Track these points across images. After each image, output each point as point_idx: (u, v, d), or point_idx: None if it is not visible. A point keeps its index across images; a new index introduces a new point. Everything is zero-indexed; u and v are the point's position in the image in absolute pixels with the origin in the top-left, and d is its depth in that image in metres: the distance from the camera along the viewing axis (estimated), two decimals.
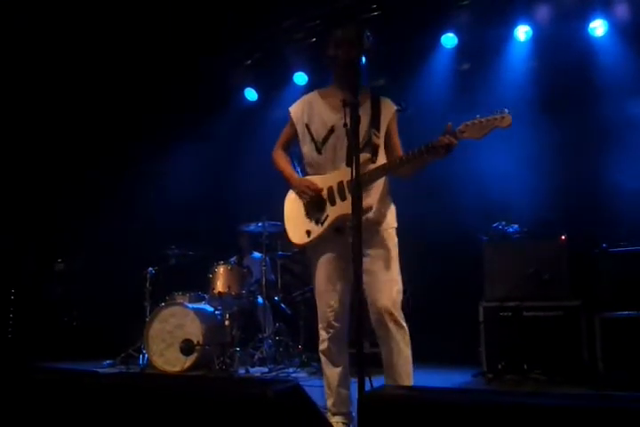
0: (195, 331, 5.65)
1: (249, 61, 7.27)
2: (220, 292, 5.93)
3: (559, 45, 5.92)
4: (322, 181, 3.11)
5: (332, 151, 3.09)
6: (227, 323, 5.75)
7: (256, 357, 5.89)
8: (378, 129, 3.09)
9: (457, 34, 6.30)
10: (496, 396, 1.84)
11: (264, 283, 6.09)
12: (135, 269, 6.47)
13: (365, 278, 2.71)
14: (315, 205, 3.08)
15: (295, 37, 6.87)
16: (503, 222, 5.25)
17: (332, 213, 3.00)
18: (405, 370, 3.01)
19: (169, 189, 7.44)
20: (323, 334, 3.10)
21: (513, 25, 6.09)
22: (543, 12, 5.92)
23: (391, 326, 2.96)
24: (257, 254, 6.69)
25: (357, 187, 2.45)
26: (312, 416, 1.83)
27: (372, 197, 3.03)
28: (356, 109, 2.58)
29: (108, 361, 6.14)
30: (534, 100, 5.94)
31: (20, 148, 7.24)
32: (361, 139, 2.94)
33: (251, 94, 7.58)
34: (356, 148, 2.54)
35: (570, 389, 4.37)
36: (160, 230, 7.15)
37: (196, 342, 5.58)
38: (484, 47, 6.31)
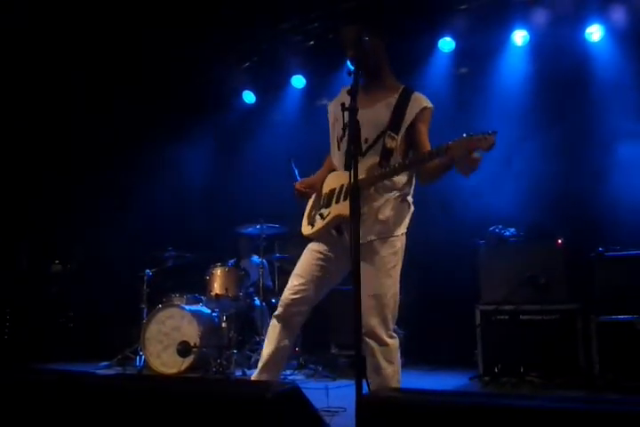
0: (192, 333, 5.65)
1: (247, 64, 7.28)
2: (217, 294, 5.92)
3: (556, 50, 5.95)
4: (333, 179, 3.14)
5: (343, 151, 3.07)
6: (224, 325, 5.76)
7: (253, 359, 5.88)
8: (396, 131, 2.98)
9: (454, 38, 6.33)
10: (492, 399, 1.85)
11: (261, 285, 6.09)
12: (132, 270, 6.47)
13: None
14: (326, 200, 3.11)
15: (293, 40, 6.88)
16: (500, 226, 5.27)
17: (333, 210, 3.01)
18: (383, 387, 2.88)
19: (166, 190, 7.45)
20: (278, 309, 3.07)
21: (510, 30, 6.11)
22: (540, 17, 5.94)
23: (372, 344, 2.84)
24: (255, 257, 6.70)
25: (356, 191, 2.45)
26: (310, 418, 1.84)
27: (366, 203, 2.91)
28: (354, 114, 2.57)
29: (104, 363, 6.13)
30: (531, 105, 5.97)
31: (17, 149, 7.23)
32: (370, 141, 2.97)
33: (249, 97, 7.59)
34: (354, 152, 2.53)
35: (566, 392, 4.38)
36: (157, 232, 7.15)
37: (192, 344, 5.58)
38: (481, 52, 6.33)
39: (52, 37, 6.35)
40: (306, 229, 3.15)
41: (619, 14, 5.72)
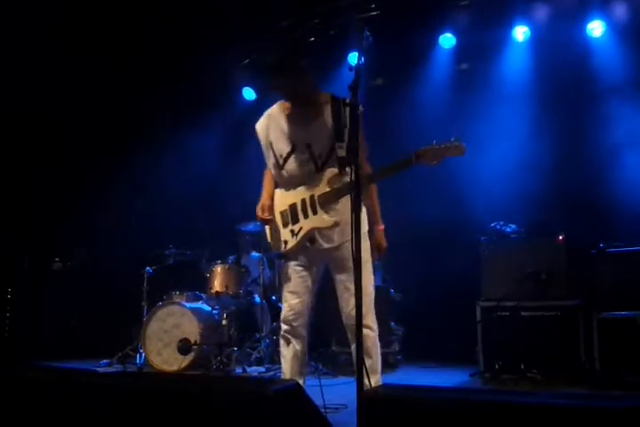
0: (192, 330, 5.65)
1: (247, 61, 7.27)
2: (217, 291, 5.92)
3: (557, 46, 5.93)
4: (284, 198, 3.28)
5: (294, 166, 3.20)
6: (224, 322, 5.75)
7: (253, 356, 5.89)
8: (342, 139, 3.08)
9: (455, 34, 6.30)
10: (493, 395, 1.85)
11: (262, 282, 6.09)
12: (133, 268, 6.46)
13: (338, 286, 3.18)
14: (289, 218, 3.24)
15: (293, 37, 6.86)
16: (501, 222, 5.26)
17: (306, 225, 3.16)
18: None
19: (167, 187, 7.44)
20: (283, 327, 3.36)
21: (511, 25, 6.09)
22: (541, 13, 5.93)
23: (367, 331, 3.06)
24: (255, 254, 6.69)
25: (357, 190, 2.43)
26: (311, 415, 1.83)
27: (341, 211, 3.11)
28: (356, 110, 2.57)
29: (105, 360, 6.13)
30: (532, 101, 5.95)
31: (18, 147, 7.22)
32: (324, 156, 3.11)
33: (249, 94, 7.57)
34: (354, 151, 2.52)
35: (567, 388, 4.37)
36: (158, 230, 7.14)
37: (193, 341, 5.58)
38: (482, 48, 6.32)
39: (52, 36, 6.35)
40: (280, 249, 3.31)
41: (620, 10, 5.70)
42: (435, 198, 6.14)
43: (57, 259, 7.53)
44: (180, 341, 5.63)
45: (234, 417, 1.76)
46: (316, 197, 3.13)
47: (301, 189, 3.19)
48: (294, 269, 3.27)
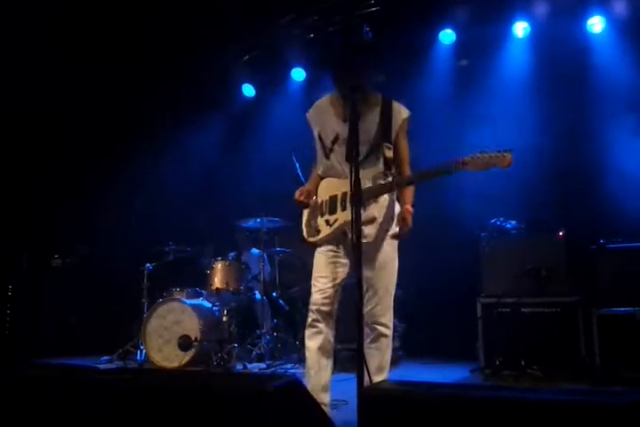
0: (192, 327, 5.65)
1: (246, 57, 7.26)
2: (217, 288, 5.93)
3: (557, 42, 5.92)
4: (330, 187, 3.24)
5: (338, 157, 3.20)
6: (224, 319, 5.75)
7: (254, 353, 5.90)
8: (390, 141, 3.15)
9: (455, 30, 6.30)
10: (493, 391, 1.85)
11: (262, 279, 6.09)
12: (133, 265, 6.46)
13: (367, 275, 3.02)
14: (327, 207, 3.22)
15: (293, 33, 6.85)
16: (501, 218, 5.26)
17: (340, 217, 3.14)
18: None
19: (167, 185, 7.44)
20: (311, 315, 3.23)
21: (511, 21, 6.09)
22: (541, 9, 5.92)
23: (383, 329, 3.17)
24: (255, 251, 6.69)
25: (357, 190, 2.44)
26: (312, 411, 1.84)
27: (379, 208, 3.14)
28: (355, 106, 2.58)
29: (105, 357, 6.14)
30: (532, 97, 5.95)
31: (18, 146, 7.21)
32: (369, 151, 3.11)
33: (248, 90, 7.56)
34: (355, 145, 2.54)
35: (567, 384, 4.38)
36: (158, 226, 7.14)
37: (193, 338, 5.58)
38: (482, 44, 6.31)
39: (52, 35, 6.34)
40: (311, 236, 3.28)
41: (620, 6, 5.69)
42: (435, 194, 6.13)
43: (57, 256, 7.53)
44: (181, 337, 5.63)
45: (235, 413, 1.77)
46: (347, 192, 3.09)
47: (345, 181, 3.06)
48: (328, 254, 3.22)
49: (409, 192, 3.23)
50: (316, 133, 3.32)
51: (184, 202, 7.44)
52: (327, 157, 3.24)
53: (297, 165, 5.78)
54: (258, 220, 6.16)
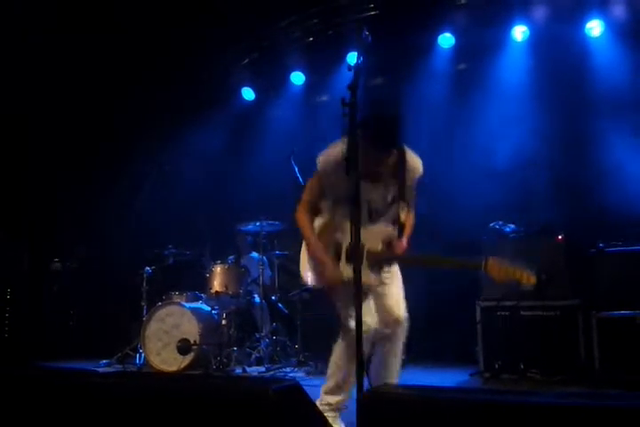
0: (192, 330, 5.64)
1: (246, 61, 7.27)
2: (217, 291, 5.92)
3: (556, 46, 5.93)
4: (340, 236, 3.17)
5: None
6: (224, 322, 5.75)
7: (253, 356, 5.89)
8: (404, 199, 3.11)
9: (454, 34, 6.31)
10: (493, 395, 1.85)
11: (261, 282, 6.09)
12: (132, 268, 6.46)
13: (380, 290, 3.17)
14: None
15: (292, 37, 6.87)
16: (500, 222, 5.26)
17: (345, 271, 3.08)
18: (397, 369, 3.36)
19: (166, 188, 7.43)
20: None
21: (510, 25, 6.10)
22: (540, 13, 5.93)
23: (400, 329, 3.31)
24: (255, 254, 6.70)
25: (356, 190, 2.44)
26: (311, 414, 1.84)
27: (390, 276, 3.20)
28: (354, 111, 2.56)
29: (104, 360, 6.13)
30: (531, 100, 5.95)
31: (18, 147, 7.22)
32: (379, 208, 3.09)
33: (248, 94, 7.57)
34: (352, 133, 2.50)
35: (567, 388, 4.38)
36: (157, 230, 7.14)
37: (192, 341, 5.57)
38: (481, 47, 6.32)
39: (53, 37, 6.35)
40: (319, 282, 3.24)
41: (619, 10, 5.71)
42: (434, 198, 6.13)
43: (56, 259, 7.53)
44: (180, 341, 5.62)
45: (234, 417, 1.77)
46: (364, 250, 3.04)
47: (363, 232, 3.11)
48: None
49: (409, 225, 3.23)
50: (327, 184, 3.16)
51: (184, 205, 7.43)
52: (338, 205, 3.14)
53: (296, 169, 5.79)
54: (257, 223, 6.16)
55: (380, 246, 3.07)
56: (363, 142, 2.65)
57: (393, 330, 3.28)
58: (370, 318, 3.15)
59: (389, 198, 3.10)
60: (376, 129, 2.90)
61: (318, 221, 3.29)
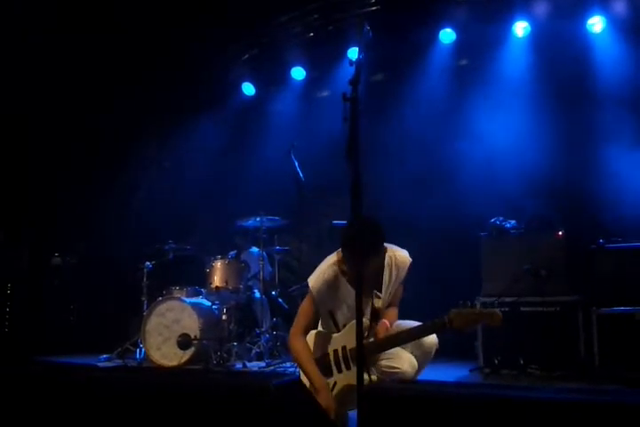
0: (192, 325, 5.65)
1: (246, 56, 7.26)
2: (217, 286, 5.93)
3: (557, 42, 5.92)
4: (332, 342, 3.13)
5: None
6: (224, 317, 5.76)
7: (253, 351, 5.90)
8: (380, 290, 3.14)
9: (455, 30, 6.30)
10: (492, 390, 1.85)
11: (261, 277, 6.09)
12: (132, 263, 6.46)
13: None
14: (323, 368, 3.07)
15: (293, 32, 6.85)
16: (501, 218, 5.26)
17: (340, 381, 3.03)
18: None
19: (167, 183, 7.44)
20: None
21: (511, 21, 6.09)
22: (541, 9, 5.92)
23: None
24: (255, 249, 6.70)
25: (357, 189, 2.44)
26: (311, 409, 1.84)
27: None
28: (356, 105, 2.55)
29: (104, 355, 6.14)
30: (532, 96, 5.94)
31: (19, 144, 7.22)
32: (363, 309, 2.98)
33: (248, 89, 7.56)
34: (355, 143, 2.51)
35: (566, 384, 4.38)
36: (158, 225, 7.14)
37: (193, 336, 5.58)
38: (482, 43, 6.31)
39: (53, 38, 6.35)
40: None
41: (620, 6, 5.69)
42: (434, 194, 6.14)
43: (56, 254, 7.54)
44: (180, 336, 5.63)
45: (234, 412, 1.77)
46: (348, 351, 3.02)
47: (336, 336, 3.11)
48: None
49: (393, 313, 3.29)
50: (325, 312, 3.16)
51: (184, 200, 7.44)
52: (337, 329, 3.14)
53: (296, 163, 5.79)
54: (257, 218, 6.16)
55: (370, 338, 3.03)
56: (348, 263, 2.95)
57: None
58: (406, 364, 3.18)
59: (370, 306, 3.10)
60: (357, 245, 2.79)
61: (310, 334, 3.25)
